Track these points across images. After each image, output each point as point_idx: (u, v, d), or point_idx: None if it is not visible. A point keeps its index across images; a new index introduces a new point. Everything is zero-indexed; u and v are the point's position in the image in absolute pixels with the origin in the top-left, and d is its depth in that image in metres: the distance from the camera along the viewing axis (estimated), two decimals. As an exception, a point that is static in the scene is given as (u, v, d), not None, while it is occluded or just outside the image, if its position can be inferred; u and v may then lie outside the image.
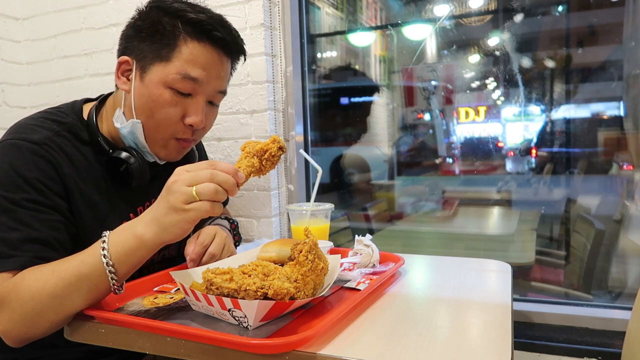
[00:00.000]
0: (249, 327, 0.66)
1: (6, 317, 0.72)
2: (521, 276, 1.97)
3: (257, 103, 1.48)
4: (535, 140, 3.22)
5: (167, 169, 1.05)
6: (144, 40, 0.89)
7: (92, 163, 0.93)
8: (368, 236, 1.01)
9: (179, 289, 0.86)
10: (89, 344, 0.73)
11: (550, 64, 3.01)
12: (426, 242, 2.57)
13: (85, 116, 0.96)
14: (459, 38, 3.33)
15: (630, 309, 0.95)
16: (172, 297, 0.82)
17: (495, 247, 2.21)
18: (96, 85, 1.71)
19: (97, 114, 0.97)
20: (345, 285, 0.85)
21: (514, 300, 1.02)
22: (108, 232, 0.74)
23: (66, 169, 0.87)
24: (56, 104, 1.01)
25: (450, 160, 3.71)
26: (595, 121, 2.77)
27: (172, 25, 0.87)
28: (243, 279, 0.64)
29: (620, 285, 1.95)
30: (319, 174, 1.00)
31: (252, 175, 0.79)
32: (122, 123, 0.92)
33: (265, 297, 0.63)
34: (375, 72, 4.28)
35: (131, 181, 0.93)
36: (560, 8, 2.85)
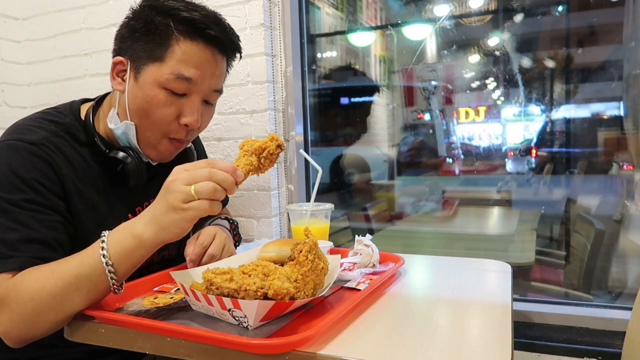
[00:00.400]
0: (249, 327, 0.66)
1: (6, 317, 0.72)
2: (521, 276, 1.97)
3: (257, 103, 1.48)
4: (535, 140, 3.22)
5: (166, 169, 1.04)
6: (137, 41, 0.88)
7: (89, 163, 0.92)
8: (368, 236, 1.01)
9: (179, 289, 0.86)
10: (89, 344, 0.73)
11: (550, 64, 3.01)
12: (426, 242, 2.57)
13: (83, 116, 0.96)
14: (459, 38, 3.33)
15: (630, 309, 0.95)
16: (172, 297, 0.82)
17: (495, 247, 2.21)
18: (96, 85, 1.71)
19: (95, 114, 0.96)
20: (345, 285, 0.85)
21: (514, 300, 1.02)
22: (107, 232, 0.74)
23: (64, 170, 0.87)
24: (56, 104, 1.01)
25: (450, 160, 3.71)
26: (595, 121, 2.77)
27: (165, 24, 0.86)
28: (243, 279, 0.64)
29: (620, 285, 1.95)
30: (319, 174, 1.00)
31: (250, 173, 0.78)
32: (115, 124, 0.92)
33: (265, 297, 0.63)
34: (375, 72, 4.28)
35: (128, 181, 0.93)
36: (560, 8, 2.85)
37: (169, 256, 1.10)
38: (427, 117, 3.74)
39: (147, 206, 1.02)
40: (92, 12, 1.70)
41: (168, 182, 0.71)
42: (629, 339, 0.92)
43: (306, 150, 1.62)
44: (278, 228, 1.55)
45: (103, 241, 0.73)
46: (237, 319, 0.66)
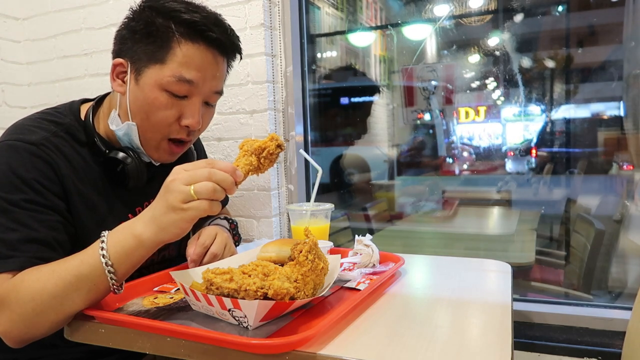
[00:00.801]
0: (249, 327, 0.66)
1: (6, 317, 0.72)
2: (521, 276, 1.97)
3: (257, 103, 1.48)
4: (535, 140, 3.22)
5: (166, 169, 1.04)
6: (138, 42, 0.88)
7: (89, 163, 0.92)
8: (368, 236, 1.01)
9: (179, 289, 0.86)
10: (89, 344, 0.73)
11: (550, 64, 3.01)
12: (426, 242, 2.57)
13: (82, 117, 0.96)
14: (459, 38, 3.33)
15: (630, 309, 0.95)
16: (172, 297, 0.82)
17: (495, 247, 2.21)
18: (96, 85, 1.71)
19: (95, 114, 0.96)
20: (345, 285, 0.85)
21: (514, 300, 1.02)
22: (107, 232, 0.74)
23: (64, 170, 0.87)
24: (56, 104, 1.01)
25: (450, 160, 3.71)
26: (595, 121, 2.77)
27: (166, 26, 0.86)
28: (243, 279, 0.64)
29: (620, 285, 1.95)
30: (319, 174, 1.00)
31: (250, 173, 0.78)
32: (117, 125, 0.92)
33: (265, 297, 0.63)
34: (375, 72, 4.27)
35: (128, 181, 0.93)
36: (560, 8, 2.85)
37: (169, 256, 1.10)
38: (427, 117, 3.74)
39: (147, 206, 1.02)
40: (92, 12, 1.70)
41: (167, 182, 0.71)
42: (629, 339, 0.92)
43: (306, 150, 1.62)
44: (278, 228, 1.55)
45: (103, 241, 0.73)
46: (237, 319, 0.66)
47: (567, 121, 2.92)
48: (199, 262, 0.94)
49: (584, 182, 2.72)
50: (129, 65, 0.89)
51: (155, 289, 0.88)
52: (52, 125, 0.90)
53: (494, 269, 1.02)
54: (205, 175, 0.69)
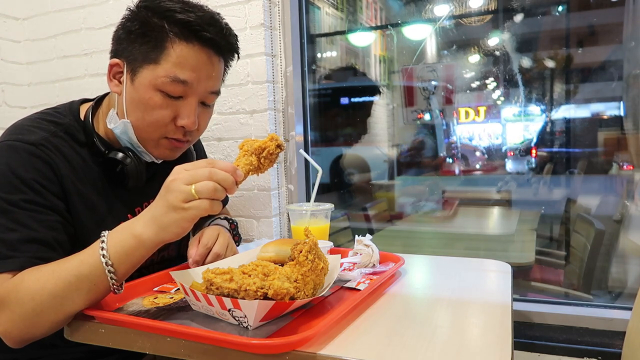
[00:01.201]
0: (249, 327, 0.66)
1: (6, 317, 0.72)
2: (521, 276, 1.97)
3: (257, 103, 1.48)
4: (535, 140, 3.22)
5: (165, 169, 1.04)
6: (133, 42, 0.88)
7: (89, 164, 0.92)
8: (368, 236, 1.01)
9: (179, 289, 0.86)
10: (89, 344, 0.73)
11: (550, 64, 3.01)
12: (426, 242, 2.57)
13: (82, 117, 0.96)
14: (459, 38, 3.33)
15: (630, 309, 0.95)
16: (172, 297, 0.82)
17: (495, 247, 2.21)
18: (96, 85, 1.71)
19: (94, 114, 0.96)
20: (345, 285, 0.85)
21: (514, 300, 1.02)
22: (107, 232, 0.74)
23: (63, 170, 0.87)
24: (56, 104, 1.01)
25: (450, 160, 3.71)
26: (595, 121, 2.77)
27: (160, 26, 0.86)
28: (243, 279, 0.64)
29: (620, 285, 1.95)
30: (319, 174, 1.00)
31: (250, 173, 0.78)
32: (114, 123, 0.92)
33: (265, 297, 0.63)
34: (375, 72, 4.28)
35: (127, 181, 0.93)
36: (560, 8, 2.85)
37: (168, 256, 1.10)
38: (427, 117, 3.74)
39: (146, 206, 1.02)
40: (92, 12, 1.70)
41: (168, 182, 0.70)
42: (629, 339, 0.92)
43: (306, 150, 1.62)
44: (278, 228, 1.55)
45: (103, 241, 0.73)
46: (237, 319, 0.66)
47: (567, 121, 2.92)
48: (202, 263, 0.94)
49: (584, 182, 2.72)
50: (125, 65, 0.89)
51: (155, 289, 0.88)
52: (51, 126, 0.90)
53: (494, 269, 1.02)
54: (206, 174, 0.69)
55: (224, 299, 0.65)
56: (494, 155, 3.56)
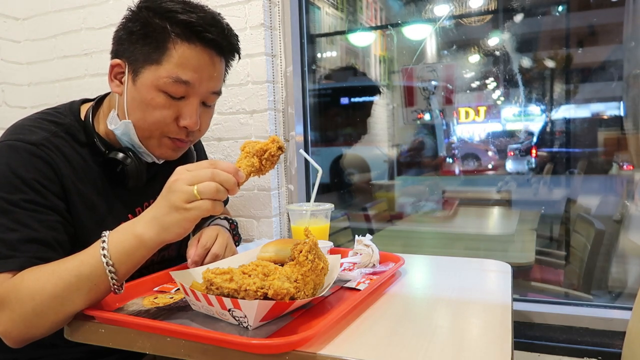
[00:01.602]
0: (249, 327, 0.66)
1: (6, 317, 0.72)
2: (521, 276, 1.97)
3: (257, 103, 1.48)
4: (535, 140, 3.22)
5: (165, 169, 1.05)
6: (135, 43, 0.88)
7: (89, 164, 0.92)
8: (368, 236, 1.01)
9: (179, 289, 0.86)
10: (89, 344, 0.73)
11: (550, 64, 3.01)
12: (426, 242, 2.57)
13: (82, 117, 0.96)
14: (459, 38, 3.33)
15: (630, 309, 0.95)
16: (172, 297, 0.82)
17: (495, 247, 2.21)
18: (96, 85, 1.71)
19: (94, 114, 0.96)
20: (345, 285, 0.85)
21: (514, 300, 1.02)
22: (107, 232, 0.74)
23: (64, 170, 0.87)
24: (56, 104, 1.01)
25: (450, 160, 3.71)
26: (595, 121, 2.77)
27: (162, 27, 0.86)
28: (243, 279, 0.64)
29: (620, 285, 1.95)
30: (319, 174, 1.00)
31: (252, 174, 0.79)
32: (115, 124, 0.92)
33: (265, 297, 0.63)
34: (375, 72, 4.28)
35: (128, 181, 0.93)
36: (560, 8, 2.85)
37: (169, 256, 1.10)
38: (427, 117, 3.74)
39: (147, 206, 1.02)
40: (92, 12, 1.70)
41: (170, 182, 0.71)
42: (629, 339, 0.92)
43: (306, 150, 1.62)
44: (278, 228, 1.55)
45: (104, 241, 0.73)
46: (237, 319, 0.66)
47: (567, 121, 2.92)
48: (200, 264, 0.94)
49: (584, 182, 2.72)
50: (127, 66, 0.89)
51: (155, 289, 0.88)
52: (52, 126, 0.90)
53: (494, 269, 1.02)
54: (208, 175, 0.69)
55: (224, 299, 0.65)
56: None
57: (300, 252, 0.69)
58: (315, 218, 1.04)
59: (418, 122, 3.76)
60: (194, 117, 0.90)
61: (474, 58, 3.45)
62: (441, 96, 3.72)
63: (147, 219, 0.72)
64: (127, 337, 0.69)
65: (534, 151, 3.19)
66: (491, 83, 3.55)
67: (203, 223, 1.11)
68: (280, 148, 0.81)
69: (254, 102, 1.48)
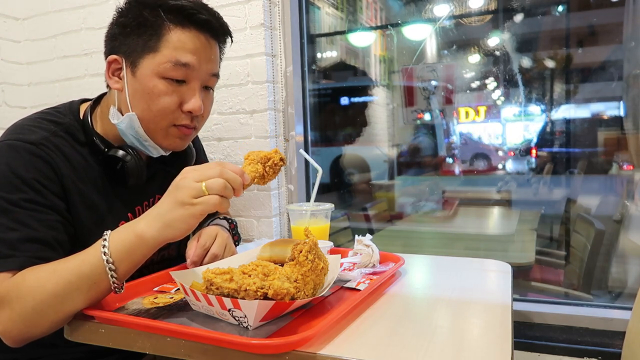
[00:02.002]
0: (249, 327, 0.66)
1: (6, 316, 0.72)
2: (521, 276, 1.97)
3: (257, 103, 1.48)
4: (535, 140, 3.22)
5: (165, 168, 1.05)
6: (129, 36, 0.89)
7: (89, 163, 0.92)
8: (368, 236, 1.01)
9: (179, 289, 0.86)
10: (89, 344, 0.73)
11: (550, 64, 3.01)
12: (426, 242, 2.57)
13: (81, 116, 0.96)
14: (459, 38, 3.33)
15: (630, 309, 0.95)
16: (172, 297, 0.82)
17: (495, 247, 2.21)
18: (96, 85, 1.71)
19: (92, 113, 0.97)
20: (345, 285, 0.85)
21: (514, 300, 1.02)
22: (109, 231, 0.75)
23: (64, 169, 0.87)
24: (56, 104, 1.01)
25: (450, 160, 3.71)
26: (595, 121, 2.77)
27: (155, 15, 0.87)
28: (243, 279, 0.64)
29: (620, 285, 1.95)
30: (319, 174, 1.00)
31: (255, 180, 0.81)
32: (118, 118, 0.92)
33: (265, 297, 0.63)
34: (375, 72, 4.27)
35: (128, 179, 0.93)
36: (560, 8, 2.85)
37: (169, 256, 1.10)
38: (427, 117, 3.74)
39: (147, 206, 1.02)
40: (92, 12, 1.70)
41: (177, 180, 0.72)
42: (629, 339, 0.92)
43: (306, 150, 1.62)
44: (278, 228, 1.55)
45: (105, 239, 0.73)
46: (237, 319, 0.66)
47: (567, 121, 2.92)
48: (199, 264, 0.94)
49: (584, 182, 2.72)
50: (124, 60, 0.90)
51: (155, 289, 0.88)
52: (51, 125, 0.90)
53: (494, 269, 1.02)
54: (216, 172, 0.71)
55: (224, 299, 0.65)
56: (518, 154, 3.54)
57: (300, 252, 0.69)
58: (315, 218, 1.04)
59: (418, 122, 3.77)
60: (198, 101, 0.91)
61: (474, 58, 3.45)
62: (441, 96, 3.72)
63: (151, 216, 0.72)
64: (127, 337, 0.69)
65: (534, 151, 3.19)
66: (491, 83, 3.55)
67: (203, 223, 1.11)
68: (282, 159, 0.83)
69: (254, 102, 1.48)
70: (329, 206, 1.07)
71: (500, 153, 3.66)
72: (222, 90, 1.51)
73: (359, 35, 3.88)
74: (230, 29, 0.99)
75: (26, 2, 1.80)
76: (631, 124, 1.76)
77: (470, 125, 3.80)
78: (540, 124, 3.21)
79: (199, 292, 0.68)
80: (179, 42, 0.87)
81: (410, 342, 0.63)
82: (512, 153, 3.49)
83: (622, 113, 2.17)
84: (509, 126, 3.63)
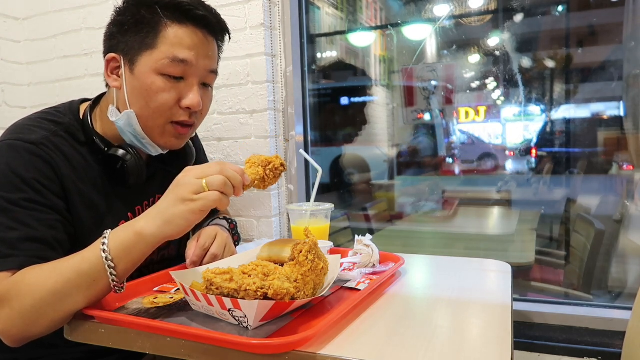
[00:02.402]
0: (249, 327, 0.66)
1: (5, 315, 0.72)
2: (521, 276, 1.97)
3: (257, 103, 1.48)
4: (535, 140, 3.22)
5: (165, 168, 1.05)
6: (127, 34, 0.89)
7: (89, 163, 0.92)
8: (368, 236, 1.01)
9: (179, 289, 0.86)
10: (89, 344, 0.73)
11: (550, 64, 3.01)
12: (426, 242, 2.57)
13: (81, 116, 0.96)
14: (459, 38, 3.33)
15: (630, 309, 0.95)
16: (172, 297, 0.82)
17: (495, 247, 2.21)
18: (96, 85, 1.71)
19: (92, 113, 0.97)
20: (345, 285, 0.85)
21: (514, 300, 1.02)
22: (109, 230, 0.75)
23: (64, 169, 0.87)
24: (56, 104, 1.01)
25: (450, 160, 3.71)
26: (595, 121, 2.77)
27: (152, 12, 0.88)
28: (243, 279, 0.64)
29: (620, 285, 1.95)
30: (319, 174, 1.00)
31: (255, 183, 0.81)
32: (116, 116, 0.92)
33: (265, 297, 0.63)
34: (375, 72, 4.28)
35: (128, 179, 0.93)
36: (560, 8, 2.85)
37: (169, 256, 1.10)
38: (427, 117, 3.74)
39: (147, 205, 1.02)
40: (92, 12, 1.70)
41: (179, 178, 0.73)
42: (629, 339, 0.92)
43: (306, 150, 1.62)
44: (278, 228, 1.55)
45: (104, 237, 0.73)
46: (237, 319, 0.66)
47: (567, 121, 2.92)
48: (199, 264, 0.94)
49: (584, 182, 2.72)
50: (122, 58, 0.90)
51: (155, 289, 0.88)
52: (51, 125, 0.90)
53: (494, 269, 1.02)
54: (217, 170, 0.72)
55: (224, 299, 0.65)
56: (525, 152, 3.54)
57: (300, 252, 0.69)
58: (315, 218, 1.04)
59: (418, 121, 3.76)
60: (197, 96, 0.91)
61: (474, 58, 3.45)
62: (441, 96, 3.72)
63: (151, 214, 0.73)
64: (127, 337, 0.69)
65: (534, 151, 3.19)
66: (491, 83, 3.55)
67: (203, 223, 1.11)
68: (282, 165, 0.84)
69: (254, 102, 1.48)
70: (329, 206, 1.07)
71: (507, 153, 3.66)
72: (222, 90, 1.51)
73: (359, 35, 3.88)
74: (230, 29, 0.99)
75: (26, 2, 1.80)
76: (631, 124, 1.76)
77: (470, 125, 3.80)
78: (540, 124, 3.21)
79: (199, 292, 0.68)
80: (176, 39, 0.88)
81: (410, 342, 0.63)
82: (512, 153, 3.49)
83: (622, 113, 2.17)
84: (509, 126, 3.63)
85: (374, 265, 0.96)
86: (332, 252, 1.00)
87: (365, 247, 0.98)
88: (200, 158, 1.21)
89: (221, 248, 0.97)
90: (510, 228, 2.46)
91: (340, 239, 2.21)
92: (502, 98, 3.56)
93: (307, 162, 1.59)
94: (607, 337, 1.19)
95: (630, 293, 1.73)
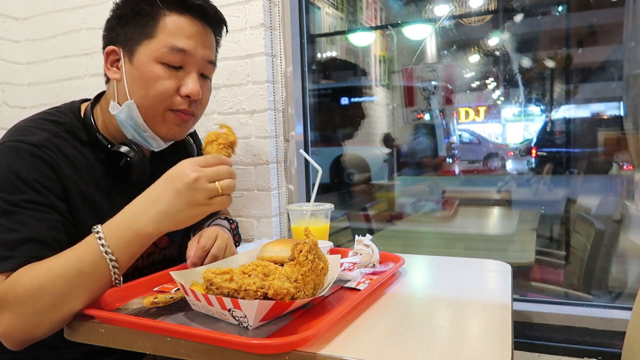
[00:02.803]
0: (249, 327, 0.66)
1: (6, 318, 0.72)
2: (521, 276, 1.97)
3: (257, 103, 1.48)
4: (535, 140, 3.22)
5: (167, 165, 1.05)
6: (126, 25, 0.90)
7: (91, 162, 0.92)
8: (368, 236, 1.01)
9: (179, 289, 0.86)
10: (89, 344, 0.73)
11: (550, 64, 3.01)
12: (426, 242, 2.57)
13: (83, 115, 0.96)
14: (459, 38, 3.33)
15: (630, 309, 0.95)
16: (172, 297, 0.82)
17: (495, 247, 2.21)
18: (96, 85, 1.71)
19: (92, 111, 0.97)
20: (345, 285, 0.85)
21: (514, 300, 1.02)
22: (99, 226, 0.75)
23: (65, 170, 0.87)
24: (56, 104, 1.01)
25: (450, 160, 3.71)
26: (595, 121, 2.77)
27: (150, 3, 0.89)
28: (243, 279, 0.64)
29: (620, 285, 1.95)
30: (319, 174, 1.00)
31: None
32: (117, 109, 0.92)
33: (265, 297, 0.63)
34: (375, 72, 4.27)
35: (132, 175, 0.93)
36: (560, 8, 2.85)
37: (169, 255, 1.10)
38: (427, 117, 3.74)
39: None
40: (92, 12, 1.70)
41: (191, 181, 0.73)
42: (629, 339, 0.92)
43: (306, 150, 1.62)
44: (278, 228, 1.55)
45: (98, 232, 0.73)
46: (237, 319, 0.66)
47: (567, 121, 2.92)
48: (199, 265, 0.94)
49: (584, 182, 2.72)
50: (121, 50, 0.91)
51: (155, 289, 0.88)
52: (52, 126, 0.90)
53: (494, 269, 1.02)
54: (227, 172, 0.75)
55: (224, 299, 0.65)
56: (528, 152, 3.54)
57: (300, 252, 0.69)
58: (315, 218, 1.04)
59: (418, 121, 3.76)
60: (196, 85, 0.92)
61: (474, 58, 3.45)
62: (441, 96, 3.72)
63: (154, 214, 0.73)
64: (127, 337, 0.69)
65: (533, 151, 3.19)
66: (491, 83, 3.55)
67: (203, 222, 1.11)
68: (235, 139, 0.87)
69: (254, 102, 1.48)
70: (329, 206, 1.07)
71: (507, 153, 3.67)
72: (222, 90, 1.51)
73: (359, 35, 3.88)
74: (230, 29, 1.00)
75: (26, 2, 1.80)
76: (631, 124, 1.76)
77: (470, 125, 3.80)
78: (540, 124, 3.21)
79: (199, 292, 0.68)
80: (174, 28, 0.89)
81: (410, 342, 0.63)
82: (512, 153, 3.49)
83: (622, 113, 2.16)
84: (509, 126, 3.63)
85: (374, 265, 0.96)
86: (332, 252, 1.00)
87: (365, 247, 0.98)
88: (200, 154, 1.21)
89: (222, 249, 0.97)
90: (510, 228, 2.46)
91: (340, 239, 2.21)
92: (502, 98, 3.56)
93: (307, 162, 1.59)
94: (607, 337, 1.19)
95: (630, 293, 1.74)
